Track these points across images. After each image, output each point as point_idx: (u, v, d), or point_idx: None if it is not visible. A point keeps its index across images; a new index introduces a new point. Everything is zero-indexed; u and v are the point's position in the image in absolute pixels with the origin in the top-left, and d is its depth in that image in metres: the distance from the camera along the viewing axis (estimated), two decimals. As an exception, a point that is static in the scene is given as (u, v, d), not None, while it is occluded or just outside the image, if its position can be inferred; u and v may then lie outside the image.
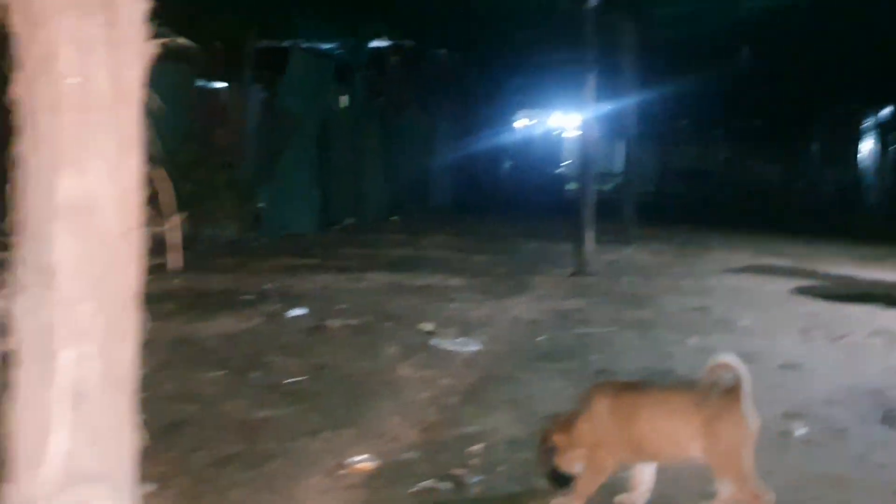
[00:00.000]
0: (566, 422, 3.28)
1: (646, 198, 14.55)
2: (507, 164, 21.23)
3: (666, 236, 13.68)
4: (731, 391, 3.05)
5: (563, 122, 24.92)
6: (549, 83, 18.96)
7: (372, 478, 3.59)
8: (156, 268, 1.84)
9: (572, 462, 3.24)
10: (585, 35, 9.05)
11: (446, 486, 3.50)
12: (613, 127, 14.26)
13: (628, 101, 12.86)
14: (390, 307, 7.18)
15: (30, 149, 1.64)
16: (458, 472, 3.62)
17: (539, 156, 21.47)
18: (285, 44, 13.57)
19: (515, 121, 22.45)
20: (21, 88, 1.66)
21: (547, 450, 3.27)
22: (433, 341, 5.93)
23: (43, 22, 1.62)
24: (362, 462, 3.72)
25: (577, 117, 25.25)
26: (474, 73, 18.47)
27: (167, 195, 1.80)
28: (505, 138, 21.09)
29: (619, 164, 19.56)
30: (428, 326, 6.32)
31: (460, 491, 3.46)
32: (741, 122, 22.74)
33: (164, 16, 1.78)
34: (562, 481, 3.30)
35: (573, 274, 8.98)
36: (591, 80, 9.06)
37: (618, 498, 3.30)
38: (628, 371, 5.23)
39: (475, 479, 3.56)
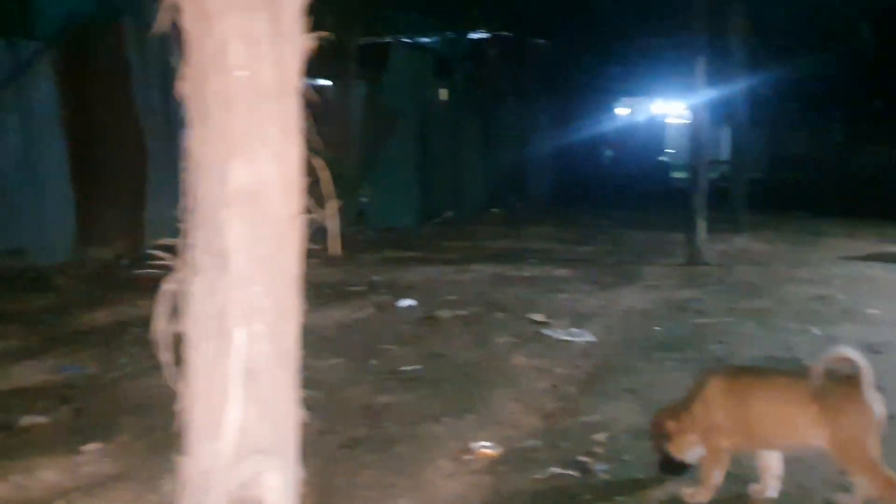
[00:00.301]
0: (679, 407, 3.26)
1: (755, 185, 14.10)
2: (607, 154, 20.94)
3: (778, 224, 13.24)
4: (852, 380, 2.95)
5: (665, 110, 24.42)
6: (651, 69, 18.59)
7: (496, 463, 3.63)
8: (314, 253, 1.92)
9: (685, 448, 3.22)
10: (695, 16, 8.83)
11: (572, 473, 3.51)
12: (721, 112, 13.87)
13: (736, 86, 12.47)
14: (498, 298, 7.21)
15: (202, 140, 1.73)
16: (583, 459, 3.62)
17: (641, 144, 21.06)
18: (387, 39, 13.76)
19: (616, 109, 22.11)
20: (192, 83, 1.75)
21: (659, 436, 3.25)
22: (546, 331, 5.92)
23: (213, 19, 1.70)
24: (486, 448, 3.76)
25: (681, 104, 24.70)
26: (573, 61, 18.29)
27: (327, 183, 1.87)
28: (605, 127, 20.79)
29: (725, 150, 19.03)
30: (538, 317, 6.32)
31: (587, 478, 3.46)
32: (858, 103, 21.62)
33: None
34: (674, 469, 3.28)
35: (685, 263, 8.81)
36: (701, 64, 8.84)
37: (752, 487, 3.24)
38: (750, 361, 5.10)
39: (601, 466, 3.55)
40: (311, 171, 1.87)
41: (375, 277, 8.28)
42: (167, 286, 1.79)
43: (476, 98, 15.73)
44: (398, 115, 13.04)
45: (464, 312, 6.62)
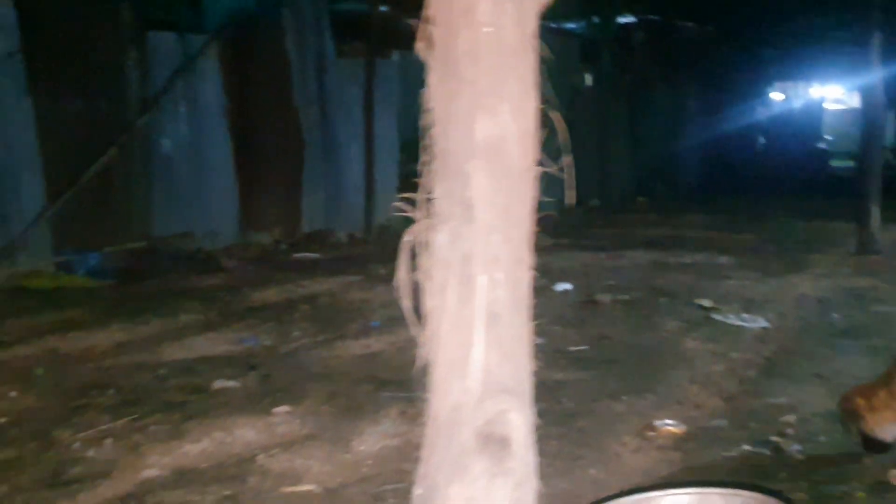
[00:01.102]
0: (871, 386, 3.16)
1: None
2: (760, 141, 20.11)
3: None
4: None
5: (823, 94, 23.19)
6: (810, 52, 17.68)
7: (683, 440, 3.58)
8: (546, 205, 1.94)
9: (880, 426, 3.10)
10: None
11: (764, 451, 3.40)
12: (887, 96, 12.99)
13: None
14: (660, 283, 7.08)
15: (449, 95, 1.78)
16: (774, 439, 3.51)
17: (796, 131, 20.07)
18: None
19: (769, 94, 21.18)
20: (439, 41, 1.81)
21: (849, 414, 3.11)
22: (716, 316, 5.76)
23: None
24: (670, 426, 3.70)
25: (840, 88, 23.37)
26: (725, 46, 17.64)
27: (564, 135, 1.88)
28: (758, 113, 19.95)
29: (890, 136, 17.90)
30: (706, 302, 6.15)
31: (780, 457, 3.35)
32: None
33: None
34: (876, 447, 3.14)
35: (856, 252, 8.35)
36: (876, 42, 8.33)
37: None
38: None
39: (795, 447, 3.43)
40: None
41: (528, 261, 8.26)
42: (407, 237, 1.85)
43: (623, 84, 15.45)
44: (544, 101, 12.96)
45: (625, 297, 6.53)
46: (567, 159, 1.89)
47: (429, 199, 1.86)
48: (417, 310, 1.87)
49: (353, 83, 10.79)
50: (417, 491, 1.85)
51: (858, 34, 8.56)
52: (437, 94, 1.82)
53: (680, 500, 2.35)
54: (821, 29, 15.33)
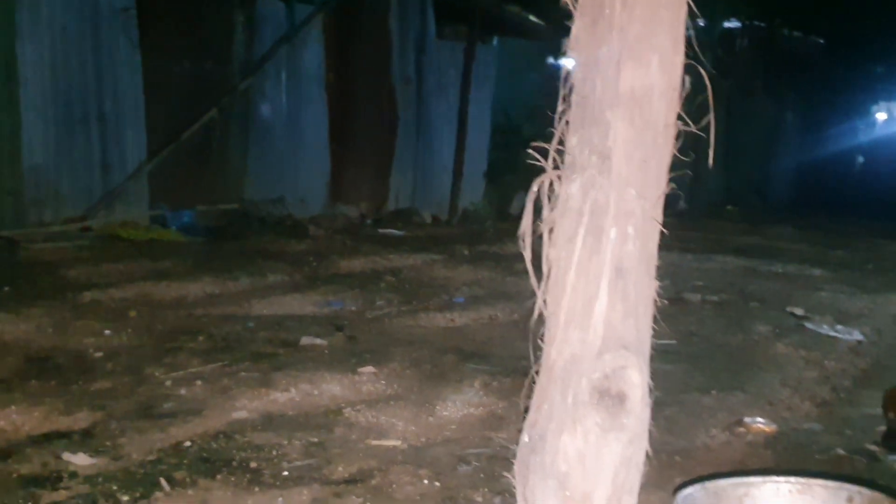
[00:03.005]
0: None
1: None
2: (859, 160, 19.41)
3: None
4: None
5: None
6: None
7: (773, 439, 3.48)
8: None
9: None
10: None
11: (860, 458, 3.29)
12: None
13: None
14: (751, 289, 6.90)
15: (598, 41, 1.76)
16: (871, 447, 3.39)
17: (898, 153, 19.33)
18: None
19: (873, 113, 20.40)
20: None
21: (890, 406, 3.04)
22: (808, 325, 5.59)
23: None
24: (761, 424, 3.61)
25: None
26: (831, 59, 17.07)
27: (709, 93, 1.84)
28: (860, 132, 19.25)
29: None
30: (798, 311, 5.97)
31: (876, 465, 3.23)
32: None
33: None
34: None
35: (960, 276, 8.01)
36: None
37: None
38: None
39: (892, 457, 3.30)
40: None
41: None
42: (537, 183, 1.83)
43: (721, 89, 15.08)
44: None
45: (714, 298, 6.39)
46: (711, 117, 1.85)
47: (559, 151, 1.84)
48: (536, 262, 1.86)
49: (451, 65, 10.82)
50: (524, 438, 1.83)
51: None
52: (583, 40, 1.80)
53: (781, 487, 2.28)
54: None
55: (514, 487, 1.88)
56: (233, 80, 8.89)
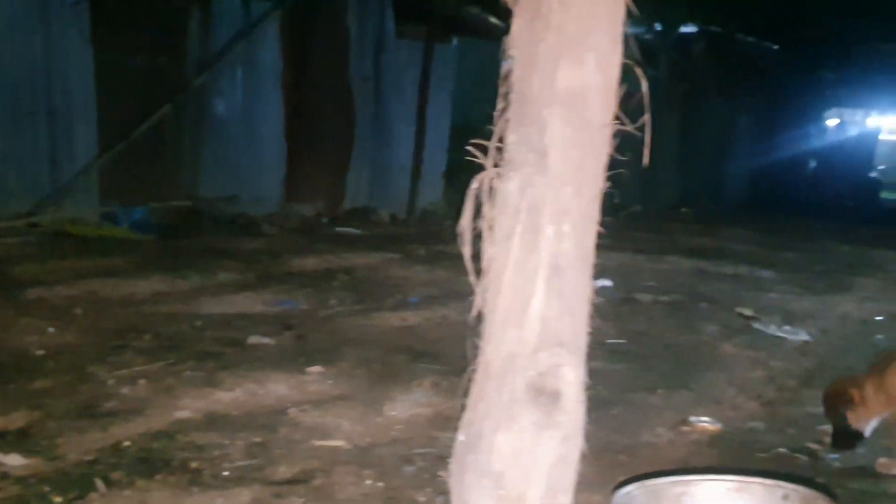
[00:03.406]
0: (865, 379, 3.20)
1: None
2: (811, 165, 19.77)
3: None
4: None
5: (879, 124, 22.72)
6: (869, 79, 17.32)
7: (717, 438, 3.52)
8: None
9: (865, 419, 3.15)
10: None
11: (801, 456, 3.34)
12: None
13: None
14: (701, 289, 6.99)
15: (534, 40, 1.75)
16: (812, 446, 3.44)
17: (849, 158, 19.69)
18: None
19: (825, 119, 20.80)
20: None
21: (842, 402, 3.14)
22: (756, 325, 5.68)
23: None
24: (705, 422, 3.65)
25: (897, 118, 22.89)
26: (785, 64, 17.35)
27: (646, 93, 1.85)
28: (812, 137, 19.60)
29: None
30: (747, 311, 6.06)
31: (817, 463, 3.29)
32: None
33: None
34: (847, 442, 3.19)
35: (906, 278, 8.19)
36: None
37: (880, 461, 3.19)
38: None
39: (833, 456, 3.36)
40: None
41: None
42: (475, 182, 1.82)
43: (677, 93, 15.26)
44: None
45: (665, 298, 6.46)
46: (646, 117, 1.85)
47: (499, 148, 1.84)
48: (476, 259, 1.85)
49: (410, 64, 10.79)
50: (460, 438, 1.82)
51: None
52: (521, 39, 1.79)
53: (719, 485, 2.31)
54: (886, 55, 15.01)
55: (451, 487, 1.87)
56: (187, 76, 8.77)
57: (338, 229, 9.46)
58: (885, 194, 20.61)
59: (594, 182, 1.81)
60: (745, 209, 16.03)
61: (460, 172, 11.69)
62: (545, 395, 1.74)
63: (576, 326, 1.78)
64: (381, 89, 10.84)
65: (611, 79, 1.80)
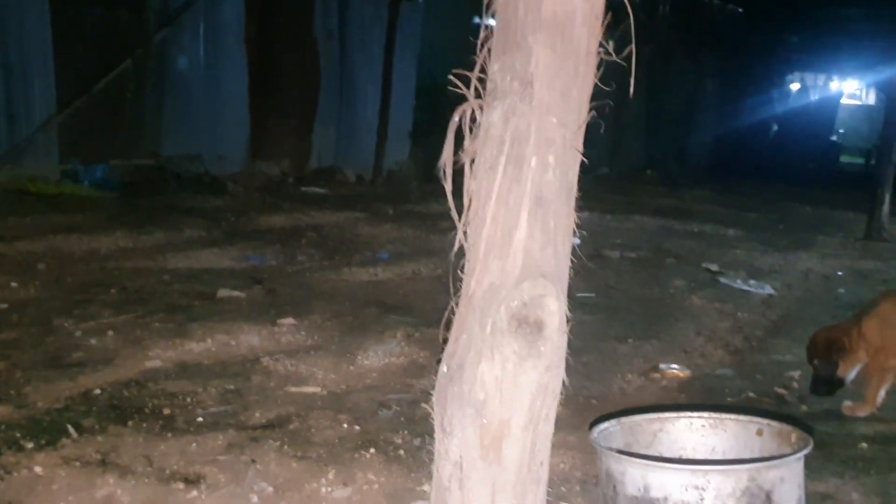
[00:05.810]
0: (848, 327, 3.26)
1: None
2: (774, 128, 19.97)
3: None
4: None
5: (840, 88, 23.00)
6: (834, 43, 17.48)
7: (687, 384, 3.57)
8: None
9: (853, 365, 3.22)
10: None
11: (769, 401, 3.40)
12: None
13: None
14: (667, 246, 7.06)
15: (520, -36, 1.72)
16: (779, 391, 3.51)
17: (810, 122, 19.93)
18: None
19: (788, 83, 21.00)
20: None
21: (836, 349, 3.19)
22: (723, 280, 5.75)
23: None
24: (675, 369, 3.70)
25: (856, 83, 23.18)
26: (749, 28, 17.42)
27: (629, 23, 1.83)
28: (775, 101, 19.79)
29: None
30: (713, 266, 6.14)
31: (785, 407, 3.35)
32: None
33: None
34: (828, 388, 3.26)
35: (864, 238, 8.32)
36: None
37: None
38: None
39: (798, 399, 3.43)
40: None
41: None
42: (458, 113, 1.80)
43: (643, 56, 15.24)
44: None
45: (632, 255, 6.52)
46: (630, 47, 1.83)
47: (481, 80, 1.81)
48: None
49: (375, 22, 10.64)
50: (442, 369, 1.82)
51: (871, 32, 8.40)
52: (508, -34, 1.76)
53: (695, 422, 2.33)
54: (848, 20, 15.14)
55: (433, 421, 1.86)
56: (148, 30, 8.55)
57: (304, 189, 9.37)
58: (845, 158, 20.94)
59: (579, 112, 1.79)
60: (709, 171, 16.19)
61: (428, 132, 11.64)
62: (528, 325, 1.73)
63: (559, 257, 1.77)
64: (347, 47, 10.69)
65: (596, 6, 1.78)
